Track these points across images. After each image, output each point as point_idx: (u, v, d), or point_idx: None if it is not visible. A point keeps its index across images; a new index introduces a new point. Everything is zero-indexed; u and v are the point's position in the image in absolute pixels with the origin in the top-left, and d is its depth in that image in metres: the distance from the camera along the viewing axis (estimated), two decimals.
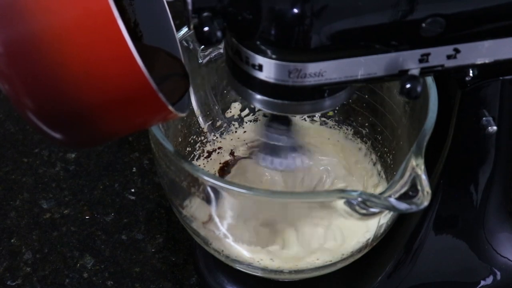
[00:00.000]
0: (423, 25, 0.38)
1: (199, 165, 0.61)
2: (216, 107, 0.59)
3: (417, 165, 0.41)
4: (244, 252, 0.49)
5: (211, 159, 0.61)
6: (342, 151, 0.62)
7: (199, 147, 0.61)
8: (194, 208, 0.50)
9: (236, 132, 0.63)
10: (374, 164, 0.60)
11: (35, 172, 0.70)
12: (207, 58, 0.55)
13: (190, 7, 0.37)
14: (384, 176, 0.59)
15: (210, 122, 0.60)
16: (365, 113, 0.60)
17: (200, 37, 0.37)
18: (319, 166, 0.59)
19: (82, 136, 0.37)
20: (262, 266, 0.50)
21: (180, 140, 0.58)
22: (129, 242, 0.64)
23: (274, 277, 0.53)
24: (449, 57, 0.40)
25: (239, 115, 0.64)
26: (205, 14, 0.37)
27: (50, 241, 0.64)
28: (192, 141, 0.60)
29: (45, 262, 0.62)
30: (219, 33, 0.37)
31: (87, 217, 0.66)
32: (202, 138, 0.61)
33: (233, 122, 0.64)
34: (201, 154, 0.62)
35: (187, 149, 0.60)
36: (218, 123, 0.62)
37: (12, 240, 0.64)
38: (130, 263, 0.62)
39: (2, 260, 0.62)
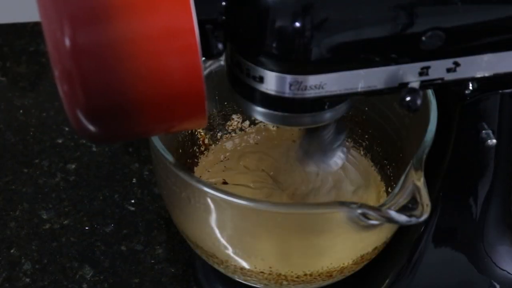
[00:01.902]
0: (423, 38, 0.38)
1: (200, 176, 0.61)
2: (217, 119, 0.59)
3: (417, 178, 0.42)
4: (244, 263, 0.49)
5: (211, 170, 0.62)
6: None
7: (200, 158, 0.62)
8: (194, 220, 0.50)
9: (237, 143, 0.64)
10: (374, 176, 0.60)
11: (35, 183, 0.70)
12: (207, 70, 0.55)
13: None
14: (384, 188, 0.59)
15: (211, 134, 0.61)
16: (364, 126, 0.60)
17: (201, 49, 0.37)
18: (319, 177, 0.59)
19: (116, 130, 0.37)
20: (262, 278, 0.50)
21: (180, 151, 0.58)
22: (128, 253, 0.64)
23: None
24: (449, 70, 0.40)
25: (240, 127, 0.64)
26: (207, 26, 0.37)
27: (49, 252, 0.64)
28: (192, 152, 0.61)
29: (45, 273, 0.62)
30: (220, 45, 0.38)
31: (86, 227, 0.66)
32: (203, 149, 0.62)
33: (234, 134, 0.64)
34: (202, 165, 0.62)
35: (188, 160, 0.60)
36: (219, 135, 0.62)
37: (12, 251, 0.64)
38: (129, 274, 0.62)
39: (1, 270, 0.62)
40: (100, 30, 0.33)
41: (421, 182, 0.41)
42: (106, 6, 0.33)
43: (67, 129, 0.76)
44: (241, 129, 0.64)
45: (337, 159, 0.48)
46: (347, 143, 0.50)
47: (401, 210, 0.40)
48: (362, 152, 0.62)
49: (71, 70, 0.33)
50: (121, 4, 0.33)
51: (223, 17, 0.38)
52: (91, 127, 0.36)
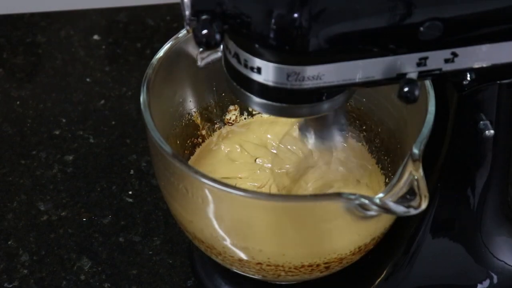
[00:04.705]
0: (421, 29, 0.38)
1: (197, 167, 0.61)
2: (215, 110, 0.59)
3: (415, 169, 0.42)
4: (241, 254, 0.49)
5: (209, 161, 0.61)
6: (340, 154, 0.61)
7: (197, 149, 0.61)
8: (191, 211, 0.50)
9: (234, 134, 0.64)
10: (373, 167, 0.60)
11: (32, 174, 0.70)
12: (205, 61, 0.55)
13: (189, 10, 0.37)
14: (383, 180, 0.59)
15: (208, 125, 0.61)
16: (363, 117, 0.60)
17: (198, 40, 0.37)
18: (318, 167, 0.59)
19: None
20: (260, 269, 0.50)
21: (178, 143, 0.58)
22: (126, 245, 0.64)
23: (272, 280, 0.53)
24: (447, 61, 0.40)
25: (238, 118, 0.64)
26: (204, 17, 0.37)
27: (47, 243, 0.64)
28: (190, 143, 0.60)
29: (42, 264, 0.62)
30: (217, 36, 0.38)
31: (84, 219, 0.66)
32: (201, 141, 0.62)
33: (231, 125, 0.64)
34: (199, 156, 0.62)
35: (185, 152, 0.60)
36: (217, 126, 0.62)
37: (9, 242, 0.64)
38: (127, 265, 0.62)
39: None
40: None
41: (419, 173, 0.41)
42: None
43: (64, 120, 0.76)
44: (238, 120, 0.64)
45: (338, 139, 0.49)
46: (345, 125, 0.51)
47: (399, 201, 0.40)
48: (360, 143, 0.62)
49: None
50: None
51: (221, 8, 0.38)
52: None
